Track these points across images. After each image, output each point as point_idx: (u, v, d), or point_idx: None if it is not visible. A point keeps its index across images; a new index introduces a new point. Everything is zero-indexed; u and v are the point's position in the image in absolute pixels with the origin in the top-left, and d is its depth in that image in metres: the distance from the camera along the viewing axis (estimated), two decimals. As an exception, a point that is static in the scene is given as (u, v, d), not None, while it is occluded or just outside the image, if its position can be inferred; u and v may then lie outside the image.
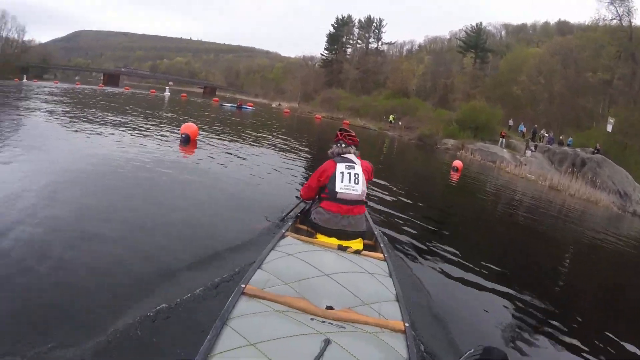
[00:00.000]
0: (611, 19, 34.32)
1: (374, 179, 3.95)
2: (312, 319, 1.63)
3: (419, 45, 74.42)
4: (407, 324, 1.76)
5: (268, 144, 12.97)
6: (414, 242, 4.88)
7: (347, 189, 2.89)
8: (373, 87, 56.75)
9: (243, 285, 1.84)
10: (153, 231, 3.69)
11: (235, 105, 32.69)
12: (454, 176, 14.54)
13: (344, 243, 2.71)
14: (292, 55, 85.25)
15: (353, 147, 3.13)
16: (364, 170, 3.03)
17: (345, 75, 61.07)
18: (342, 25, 65.79)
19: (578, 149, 25.86)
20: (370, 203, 5.33)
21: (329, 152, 3.18)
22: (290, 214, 3.76)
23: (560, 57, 38.86)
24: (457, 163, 16.11)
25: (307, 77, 66.15)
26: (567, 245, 7.76)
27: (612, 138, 26.55)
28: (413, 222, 6.01)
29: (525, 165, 24.08)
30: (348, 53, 66.97)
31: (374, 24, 65.10)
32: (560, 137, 28.68)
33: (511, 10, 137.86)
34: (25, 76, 47.47)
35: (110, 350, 1.99)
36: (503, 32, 76.94)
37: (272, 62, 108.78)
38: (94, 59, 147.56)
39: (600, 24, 35.94)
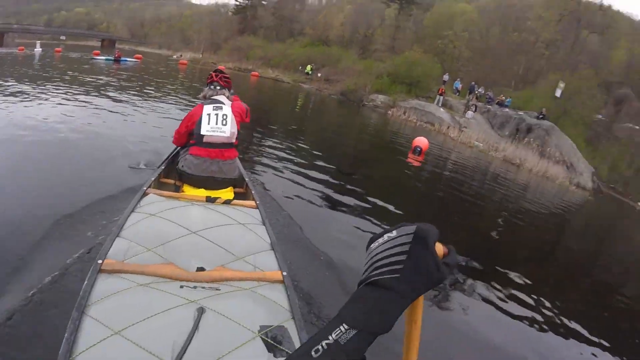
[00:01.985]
0: None
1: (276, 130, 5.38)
2: (181, 287, 1.44)
3: (339, -6, 70.24)
4: (284, 273, 1.67)
5: (135, 98, 9.62)
6: (299, 190, 4.58)
7: (214, 131, 2.60)
8: (289, 36, 49.73)
9: (100, 261, 1.54)
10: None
11: (112, 58, 23.61)
12: (414, 161, 9.36)
13: (213, 193, 2.48)
14: (205, 3, 73.17)
15: (227, 89, 2.80)
16: (235, 111, 2.70)
17: (259, 22, 52.59)
18: (260, -35, 56.58)
19: (521, 112, 22.07)
20: (257, 149, 6.12)
21: (200, 95, 2.84)
22: (162, 165, 3.08)
23: (499, 14, 36.82)
24: (420, 141, 10.00)
25: (216, 25, 57.07)
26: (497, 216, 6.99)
27: (555, 103, 23.43)
28: (306, 173, 5.48)
29: (466, 127, 19.78)
30: (264, -2, 58.17)
31: (296, -36, 56.68)
32: (501, 97, 24.71)
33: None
34: None
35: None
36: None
37: (182, 10, 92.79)
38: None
39: None
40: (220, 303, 1.34)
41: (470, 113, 20.37)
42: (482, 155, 15.56)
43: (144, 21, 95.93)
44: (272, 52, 38.62)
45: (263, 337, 1.25)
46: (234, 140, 2.69)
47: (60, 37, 76.90)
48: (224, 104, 2.64)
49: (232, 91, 2.83)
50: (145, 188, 2.32)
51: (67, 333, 1.14)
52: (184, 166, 2.61)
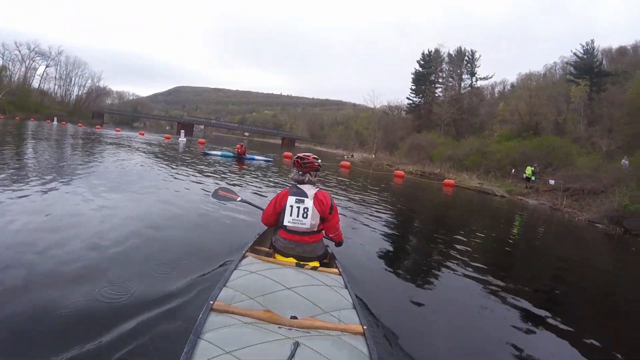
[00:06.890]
0: None
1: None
2: (279, 328, 1.67)
3: (512, 85, 59.67)
4: (365, 327, 1.83)
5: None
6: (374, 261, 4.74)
7: (295, 223, 2.80)
8: (469, 131, 41.48)
9: (211, 302, 1.84)
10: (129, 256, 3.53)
11: (232, 152, 18.48)
12: None
13: (302, 262, 2.72)
14: (379, 106, 73.20)
15: (312, 173, 2.93)
16: (318, 203, 2.82)
17: (437, 118, 46.03)
18: (430, 61, 51.92)
19: None
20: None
21: (290, 176, 3.01)
22: (256, 235, 3.53)
23: None
24: None
25: (389, 123, 52.71)
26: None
27: None
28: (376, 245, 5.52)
29: None
30: (438, 94, 52.07)
31: (466, 57, 50.27)
32: None
33: (611, 33, 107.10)
34: (55, 118, 45.70)
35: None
36: (604, 60, 60.47)
37: (358, 113, 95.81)
38: (190, 111, 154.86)
39: None
40: (312, 342, 1.52)
41: None
42: None
43: (323, 123, 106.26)
44: (462, 150, 30.38)
45: None
46: (315, 229, 2.80)
47: (244, 134, 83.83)
48: (307, 196, 2.77)
49: (316, 173, 2.95)
50: (244, 251, 2.77)
51: (185, 348, 1.38)
52: (275, 241, 2.86)
